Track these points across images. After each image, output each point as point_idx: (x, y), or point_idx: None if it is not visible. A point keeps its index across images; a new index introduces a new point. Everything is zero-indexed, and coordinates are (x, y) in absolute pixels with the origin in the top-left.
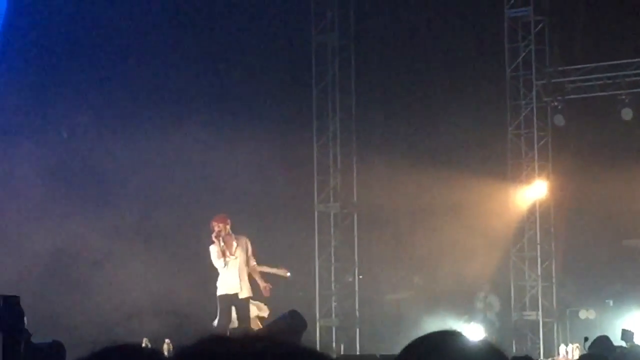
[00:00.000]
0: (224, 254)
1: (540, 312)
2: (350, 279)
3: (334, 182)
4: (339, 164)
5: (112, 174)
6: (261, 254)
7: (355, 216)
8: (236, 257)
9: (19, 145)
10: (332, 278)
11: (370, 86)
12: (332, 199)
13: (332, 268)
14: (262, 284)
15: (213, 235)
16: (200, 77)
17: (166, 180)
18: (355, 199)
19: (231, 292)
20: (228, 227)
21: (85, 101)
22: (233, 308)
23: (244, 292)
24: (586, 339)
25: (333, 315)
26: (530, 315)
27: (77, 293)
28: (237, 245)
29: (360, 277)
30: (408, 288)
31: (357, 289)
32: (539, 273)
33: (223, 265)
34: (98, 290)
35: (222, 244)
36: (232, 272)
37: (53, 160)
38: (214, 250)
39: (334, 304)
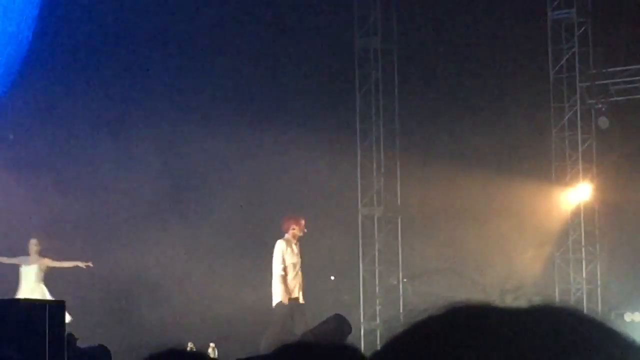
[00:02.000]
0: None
1: None
2: (395, 283)
3: (377, 186)
4: (382, 168)
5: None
6: (306, 257)
7: (399, 220)
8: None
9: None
10: (376, 282)
11: (414, 90)
12: (375, 202)
13: (376, 272)
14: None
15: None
16: (249, 82)
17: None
18: (399, 202)
19: (293, 296)
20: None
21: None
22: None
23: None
24: None
25: (377, 319)
26: None
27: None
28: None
29: (405, 280)
30: (452, 292)
31: (401, 292)
32: (584, 276)
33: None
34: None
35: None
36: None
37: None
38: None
39: (378, 308)
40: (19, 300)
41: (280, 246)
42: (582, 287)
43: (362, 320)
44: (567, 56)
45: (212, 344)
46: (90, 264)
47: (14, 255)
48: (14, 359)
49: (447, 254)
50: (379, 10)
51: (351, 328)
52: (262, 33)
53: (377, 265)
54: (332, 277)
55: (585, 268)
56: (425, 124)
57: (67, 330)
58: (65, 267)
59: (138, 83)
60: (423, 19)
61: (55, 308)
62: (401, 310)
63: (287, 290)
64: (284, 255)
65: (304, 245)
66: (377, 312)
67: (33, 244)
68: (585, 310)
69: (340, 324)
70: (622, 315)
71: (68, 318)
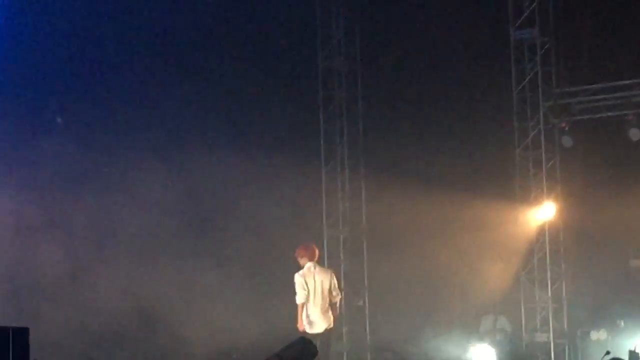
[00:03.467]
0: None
1: (551, 334)
2: (361, 303)
3: (342, 207)
4: (347, 189)
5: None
6: (272, 280)
7: (365, 240)
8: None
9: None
10: (342, 302)
11: (378, 110)
12: (341, 223)
13: (342, 293)
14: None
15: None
16: (213, 105)
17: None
18: (364, 222)
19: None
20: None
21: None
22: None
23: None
24: (608, 353)
25: (344, 339)
26: (542, 336)
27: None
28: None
29: (360, 304)
30: (418, 310)
31: (367, 313)
32: (549, 294)
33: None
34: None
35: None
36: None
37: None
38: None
39: (344, 329)
40: None
41: (294, 279)
42: (547, 306)
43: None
44: (530, 75)
45: None
46: None
47: None
48: None
49: (413, 273)
50: (342, 31)
51: (317, 350)
52: (225, 54)
53: (342, 286)
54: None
55: (551, 287)
56: (389, 144)
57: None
58: None
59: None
60: (386, 40)
61: (19, 333)
62: (367, 331)
63: (301, 320)
64: (297, 286)
65: (270, 268)
66: (344, 333)
67: None
68: (551, 329)
69: (307, 347)
70: (588, 334)
71: None
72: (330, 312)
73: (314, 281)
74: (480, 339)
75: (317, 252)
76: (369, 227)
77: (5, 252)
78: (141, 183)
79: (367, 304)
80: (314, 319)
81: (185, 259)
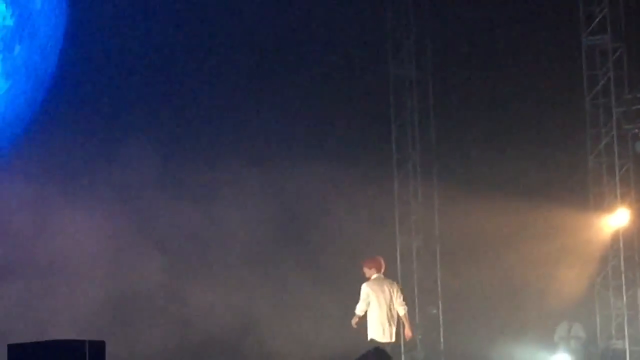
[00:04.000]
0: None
1: (627, 341)
2: (434, 311)
3: (415, 215)
4: (419, 197)
5: None
6: (345, 289)
7: (438, 248)
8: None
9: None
10: (416, 311)
11: (450, 118)
12: (413, 232)
13: (416, 301)
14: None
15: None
16: (284, 116)
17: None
18: (437, 231)
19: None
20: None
21: None
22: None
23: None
24: None
25: (418, 347)
26: (617, 344)
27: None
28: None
29: (434, 311)
30: (492, 318)
31: (441, 321)
32: (624, 301)
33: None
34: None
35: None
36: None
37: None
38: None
39: (418, 337)
40: (57, 341)
41: (362, 289)
42: (622, 313)
43: (402, 351)
44: (603, 81)
45: None
46: None
47: None
48: None
49: (487, 280)
50: (413, 40)
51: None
52: (297, 64)
53: (416, 294)
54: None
55: (626, 293)
56: (462, 152)
57: None
58: None
59: None
60: (457, 48)
61: (96, 347)
62: (441, 340)
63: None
64: (363, 296)
65: (345, 276)
66: (418, 341)
67: None
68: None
69: (380, 357)
70: None
71: None
72: (394, 326)
73: (382, 292)
74: (555, 346)
75: (383, 264)
76: (441, 235)
77: (102, 267)
78: (237, 196)
79: (441, 312)
80: (377, 330)
81: (278, 270)
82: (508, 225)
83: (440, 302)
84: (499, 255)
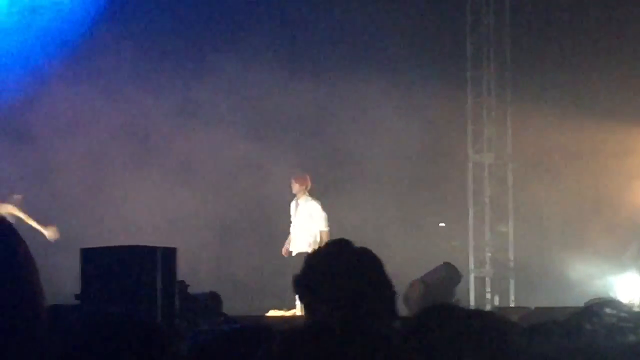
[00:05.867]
0: None
1: None
2: (505, 229)
3: (488, 132)
4: (493, 114)
5: None
6: (415, 204)
7: (510, 166)
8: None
9: None
10: (486, 228)
11: (525, 36)
12: (485, 149)
13: (486, 218)
14: None
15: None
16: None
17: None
18: (509, 149)
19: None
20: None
21: None
22: None
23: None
24: None
25: (487, 265)
26: None
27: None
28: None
29: (504, 229)
30: (562, 237)
31: (511, 239)
32: None
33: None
34: None
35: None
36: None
37: None
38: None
39: (487, 255)
40: (130, 246)
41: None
42: None
43: (471, 267)
44: None
45: None
46: (54, 235)
47: None
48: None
49: (559, 199)
50: None
51: (461, 276)
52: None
53: (487, 212)
54: (442, 224)
55: None
56: (536, 70)
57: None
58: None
59: None
60: None
61: (167, 253)
62: (511, 258)
63: None
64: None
65: (415, 192)
66: (487, 259)
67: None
68: None
69: (450, 272)
70: None
71: None
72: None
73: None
74: (623, 266)
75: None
76: (514, 153)
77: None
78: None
79: (511, 230)
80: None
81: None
82: (581, 143)
83: (510, 220)
84: (571, 174)
